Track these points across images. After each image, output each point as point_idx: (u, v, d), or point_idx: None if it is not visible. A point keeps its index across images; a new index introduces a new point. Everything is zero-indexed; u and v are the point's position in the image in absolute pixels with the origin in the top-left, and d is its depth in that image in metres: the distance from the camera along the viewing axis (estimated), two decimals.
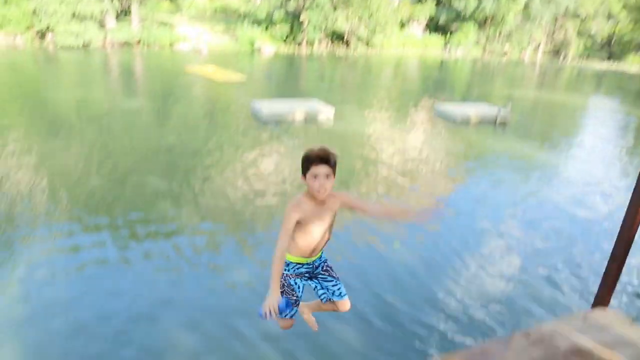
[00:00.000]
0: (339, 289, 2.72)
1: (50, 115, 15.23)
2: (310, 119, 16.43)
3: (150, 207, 8.69)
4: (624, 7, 55.49)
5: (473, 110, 18.33)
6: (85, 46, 34.58)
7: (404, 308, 6.05)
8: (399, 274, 6.92)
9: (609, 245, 3.21)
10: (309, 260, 2.59)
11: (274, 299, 2.34)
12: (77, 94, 18.47)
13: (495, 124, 17.73)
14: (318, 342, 5.20)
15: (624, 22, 56.32)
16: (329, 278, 2.69)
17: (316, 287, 2.72)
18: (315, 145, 2.53)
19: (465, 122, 17.72)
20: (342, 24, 42.87)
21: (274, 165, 11.56)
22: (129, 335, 5.20)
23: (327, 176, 2.43)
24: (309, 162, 2.44)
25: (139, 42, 37.24)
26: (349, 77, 32.12)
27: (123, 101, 18.08)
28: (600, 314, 1.85)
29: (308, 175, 2.44)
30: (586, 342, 1.67)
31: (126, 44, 36.80)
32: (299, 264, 2.58)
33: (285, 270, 2.59)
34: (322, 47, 44.59)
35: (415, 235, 8.22)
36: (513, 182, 11.46)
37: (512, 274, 7.08)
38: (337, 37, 45.25)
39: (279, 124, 15.53)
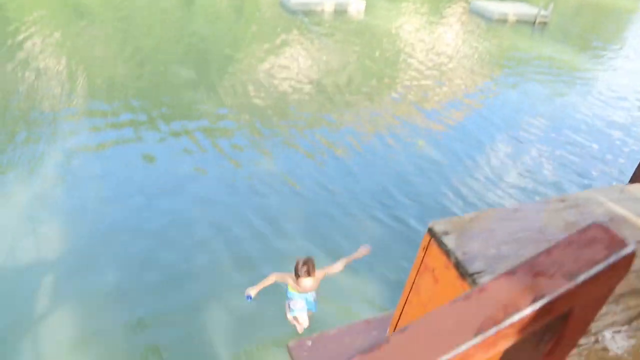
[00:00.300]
0: (312, 309, 4.20)
1: (72, 8, 14.84)
2: (341, 11, 15.76)
3: (172, 94, 8.78)
4: None
5: (511, 9, 17.32)
6: None
7: (413, 205, 6.23)
8: (414, 170, 7.05)
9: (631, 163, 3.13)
10: (304, 293, 4.01)
11: (250, 290, 3.80)
12: None
13: (534, 24, 16.81)
14: (326, 232, 5.48)
15: None
16: (312, 303, 4.17)
17: (304, 305, 4.13)
18: (301, 258, 3.65)
19: (502, 20, 16.82)
20: None
21: (299, 59, 11.34)
22: (146, 213, 5.54)
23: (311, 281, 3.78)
24: (298, 274, 3.67)
25: None
26: None
27: None
28: (637, 187, 1.89)
29: (298, 279, 3.70)
30: (621, 210, 1.72)
31: None
32: (299, 293, 4.01)
33: (292, 296, 4.08)
34: None
35: (437, 135, 8.23)
36: (544, 87, 11.14)
37: (525, 181, 7.14)
38: None
39: (308, 14, 14.95)
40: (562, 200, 1.74)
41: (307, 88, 9.58)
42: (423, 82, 10.57)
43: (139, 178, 6.18)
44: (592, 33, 17.81)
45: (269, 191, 6.16)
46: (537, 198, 6.56)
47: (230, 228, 5.43)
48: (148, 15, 13.50)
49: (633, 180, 2.78)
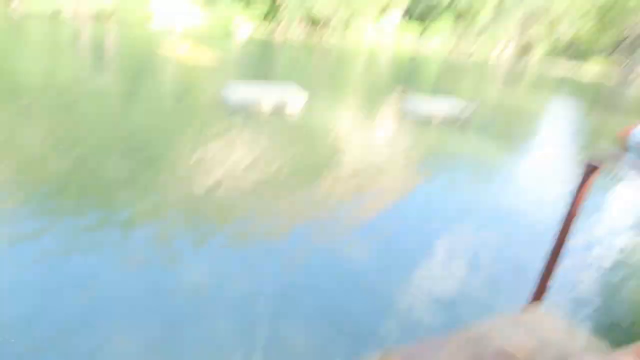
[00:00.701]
0: None
1: (9, 88, 14.98)
2: (280, 108, 16.68)
3: (105, 193, 8.75)
4: (590, 10, 57.34)
5: (438, 107, 18.94)
6: (54, 15, 33.56)
7: (349, 309, 6.51)
8: (347, 277, 7.37)
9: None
10: None
11: None
12: (40, 67, 18.12)
13: (458, 122, 18.36)
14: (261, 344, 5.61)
15: (589, 24, 58.25)
16: None
17: None
18: None
19: (430, 118, 18.30)
20: (321, 7, 42.85)
21: (236, 157, 11.80)
22: (62, 336, 5.47)
23: None
24: None
25: (111, 15, 36.41)
26: (323, 65, 32.26)
27: (88, 79, 17.85)
28: (533, 311, 2.24)
29: None
30: (514, 343, 2.07)
31: (98, 17, 35.87)
32: None
33: None
34: (298, 32, 44.47)
35: (366, 238, 8.68)
36: (467, 183, 12.06)
37: (456, 276, 7.62)
38: (315, 22, 45.21)
39: (248, 111, 15.73)
40: (462, 334, 2.09)
41: (239, 186, 9.93)
42: (353, 185, 11.22)
43: (39, 277, 6.05)
44: (510, 129, 19.62)
45: (175, 296, 6.17)
46: (445, 328, 7.00)
47: (133, 334, 5.38)
48: (88, 112, 13.73)
49: (533, 298, 3.21)
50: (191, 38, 33.33)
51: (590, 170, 4.48)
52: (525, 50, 58.38)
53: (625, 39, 56.30)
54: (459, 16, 52.64)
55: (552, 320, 2.71)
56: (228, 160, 11.30)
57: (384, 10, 50.62)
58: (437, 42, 52.66)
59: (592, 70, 57.77)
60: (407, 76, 31.74)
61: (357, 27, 46.82)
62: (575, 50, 59.92)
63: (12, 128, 10.88)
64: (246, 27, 40.93)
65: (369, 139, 15.07)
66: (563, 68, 56.25)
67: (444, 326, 6.35)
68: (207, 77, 20.85)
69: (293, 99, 17.06)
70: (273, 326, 6.11)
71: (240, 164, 11.18)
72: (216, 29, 40.40)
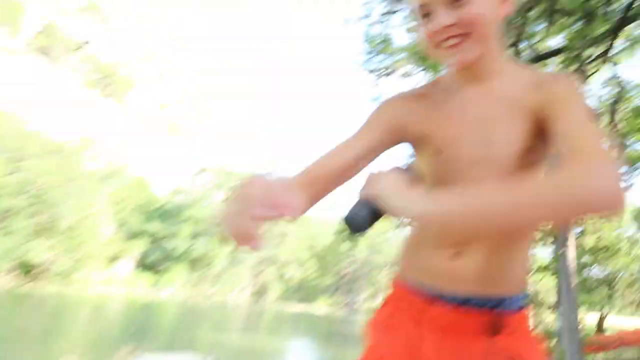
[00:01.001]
0: None
1: None
2: None
3: None
4: (312, 256, 66.88)
5: None
6: None
7: None
8: None
9: None
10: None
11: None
12: None
13: None
14: None
15: (312, 268, 67.08)
16: None
17: None
18: None
19: None
20: (37, 254, 38.18)
21: None
22: None
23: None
24: None
25: None
26: (35, 321, 27.14)
27: None
28: None
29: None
30: None
31: None
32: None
33: None
34: (6, 280, 38.08)
35: None
36: None
37: None
38: (29, 269, 39.65)
39: None
40: None
41: None
42: None
43: None
44: None
45: None
46: None
47: None
48: None
49: None
50: None
51: None
52: (261, 292, 62.06)
53: (343, 276, 66.07)
54: (195, 263, 53.96)
55: None
56: None
57: (113, 259, 48.43)
58: (174, 289, 51.76)
59: (324, 304, 64.37)
60: (141, 328, 28.96)
61: (83, 275, 42.91)
62: (306, 290, 66.68)
63: None
64: None
65: None
66: (298, 305, 61.06)
67: None
68: None
69: None
70: None
71: None
72: None
